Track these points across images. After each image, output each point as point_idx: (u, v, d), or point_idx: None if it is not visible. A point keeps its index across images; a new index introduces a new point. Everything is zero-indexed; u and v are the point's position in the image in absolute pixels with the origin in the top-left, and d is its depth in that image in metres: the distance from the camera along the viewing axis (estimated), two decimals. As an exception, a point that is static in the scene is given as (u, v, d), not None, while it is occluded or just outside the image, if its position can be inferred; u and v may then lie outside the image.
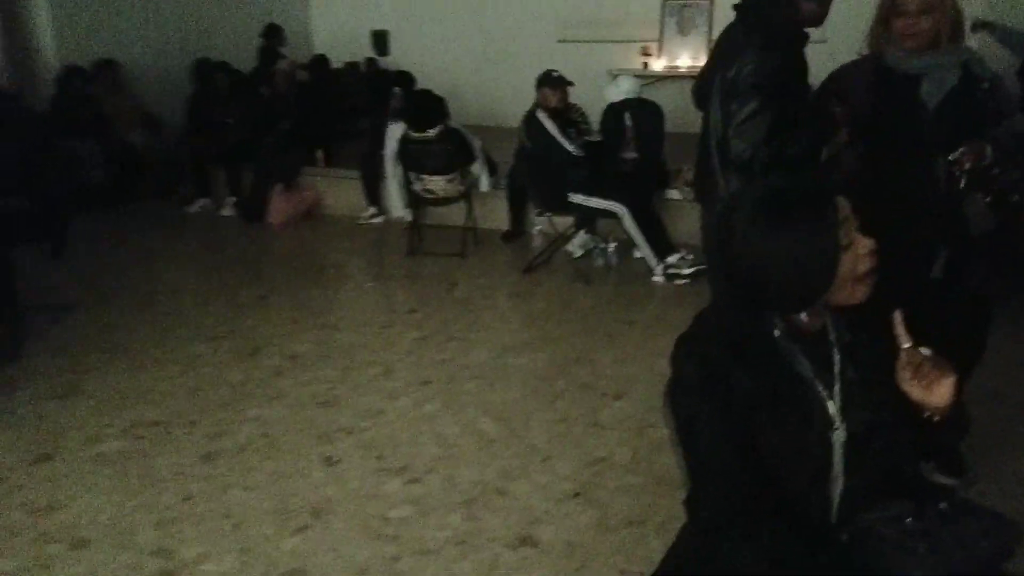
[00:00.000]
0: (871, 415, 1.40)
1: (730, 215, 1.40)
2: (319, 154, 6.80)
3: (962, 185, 2.24)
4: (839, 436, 1.39)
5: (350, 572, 2.35)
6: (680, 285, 4.70)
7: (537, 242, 5.50)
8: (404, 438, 3.09)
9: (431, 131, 5.18)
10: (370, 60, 8.50)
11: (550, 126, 5.07)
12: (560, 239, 5.26)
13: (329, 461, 2.94)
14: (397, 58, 8.79)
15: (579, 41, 8.07)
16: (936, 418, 1.33)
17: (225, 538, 2.51)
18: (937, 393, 1.31)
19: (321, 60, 7.93)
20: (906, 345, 1.34)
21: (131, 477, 2.85)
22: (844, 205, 1.32)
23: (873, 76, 2.37)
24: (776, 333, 1.40)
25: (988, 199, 2.43)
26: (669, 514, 2.47)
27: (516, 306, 4.65)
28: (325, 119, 7.16)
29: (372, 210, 6.35)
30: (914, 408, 1.34)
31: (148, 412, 3.32)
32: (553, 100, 5.17)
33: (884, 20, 2.32)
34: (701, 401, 1.40)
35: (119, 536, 2.53)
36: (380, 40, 9.01)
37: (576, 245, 5.32)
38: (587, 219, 5.13)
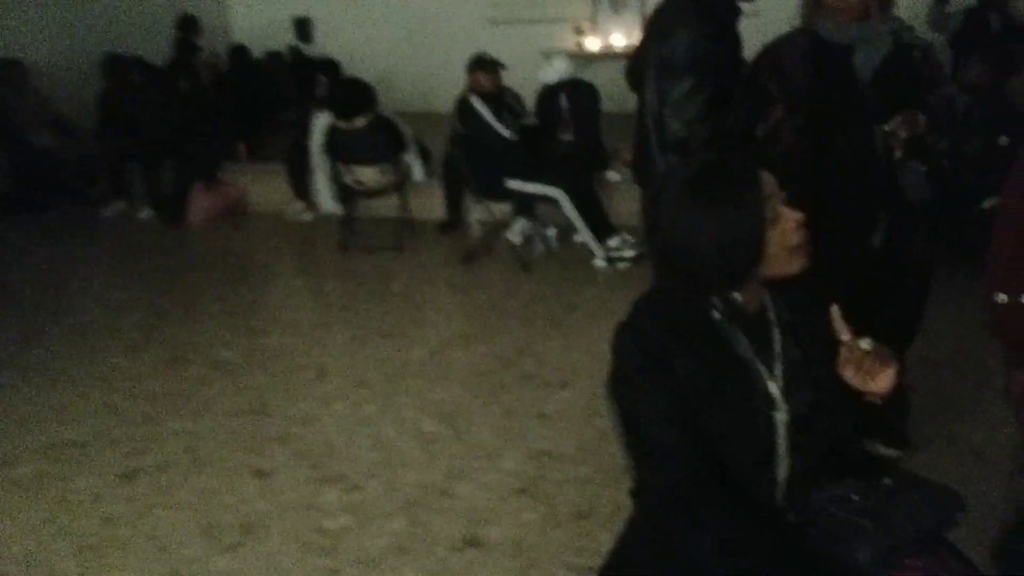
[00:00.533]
0: (814, 394, 1.40)
1: (659, 196, 1.39)
2: (241, 148, 6.62)
3: (898, 154, 2.27)
4: (782, 417, 1.39)
5: (286, 589, 2.29)
6: (623, 268, 4.71)
7: (475, 231, 5.45)
8: (340, 444, 3.02)
9: (359, 120, 5.08)
10: (293, 48, 8.31)
11: (484, 111, 5.02)
12: (499, 227, 5.23)
13: (260, 473, 2.86)
14: (322, 45, 8.64)
15: (511, 22, 8.03)
16: (878, 401, 1.33)
17: (151, 562, 2.42)
18: (878, 382, 1.32)
19: (241, 50, 7.73)
20: (845, 338, 1.34)
21: (46, 502, 2.74)
22: (769, 180, 1.32)
23: (807, 48, 2.38)
24: (716, 315, 1.39)
25: (924, 167, 2.48)
26: (617, 505, 2.46)
27: (456, 298, 4.61)
28: (247, 111, 6.99)
29: (300, 205, 6.20)
30: (856, 393, 1.34)
31: (64, 431, 3.18)
32: (486, 84, 5.12)
33: None
34: (644, 389, 1.38)
35: (35, 567, 2.43)
36: (303, 27, 8.84)
37: (515, 232, 5.28)
38: (525, 205, 5.09)
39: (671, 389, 1.36)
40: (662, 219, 1.35)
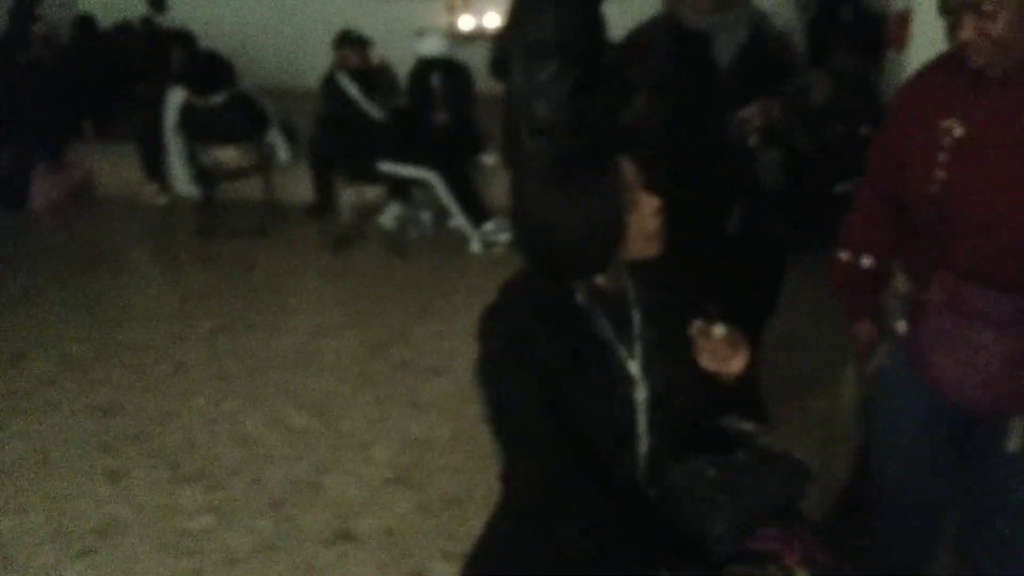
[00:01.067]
0: (672, 373, 1.50)
1: (523, 180, 1.45)
2: (87, 126, 6.27)
3: (754, 142, 2.41)
4: (641, 395, 1.47)
5: (146, 594, 2.23)
6: (499, 253, 4.77)
7: (346, 216, 5.38)
8: (201, 441, 2.95)
9: (217, 96, 4.92)
10: (145, 19, 7.89)
11: (352, 89, 4.97)
12: (371, 211, 5.19)
13: (114, 475, 2.76)
14: (177, 16, 8.23)
15: (381, -4, 7.92)
16: (731, 382, 1.44)
17: (-8, 574, 2.31)
18: (732, 366, 1.42)
19: (86, 20, 7.28)
20: (698, 326, 1.43)
21: None
22: (629, 167, 1.39)
23: (668, 35, 2.49)
24: (578, 299, 1.46)
25: (779, 155, 2.66)
26: (491, 491, 2.46)
27: (326, 286, 4.55)
28: (93, 86, 6.60)
29: (154, 187, 5.94)
30: (711, 374, 1.44)
31: None
32: (354, 61, 5.07)
33: None
34: (510, 374, 1.44)
35: None
36: (155, -5, 8.38)
37: (389, 217, 5.26)
38: (398, 188, 5.08)
39: (536, 373, 1.42)
40: (526, 204, 1.41)
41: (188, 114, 5.00)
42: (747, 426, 2.53)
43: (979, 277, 1.45)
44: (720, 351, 1.42)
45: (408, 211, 5.24)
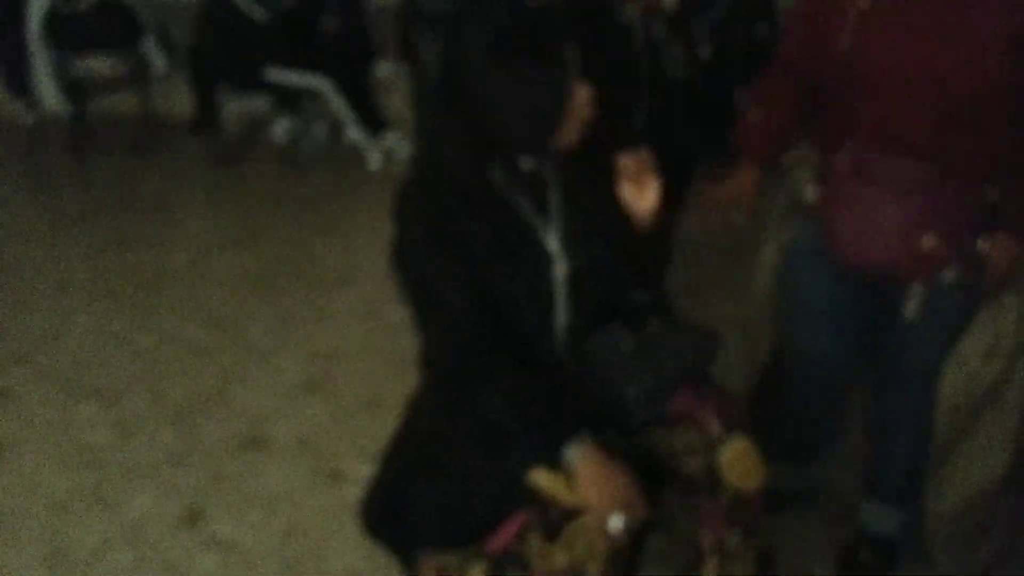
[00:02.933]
0: (589, 250, 1.57)
1: (454, 51, 1.45)
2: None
3: (659, 33, 2.47)
4: (560, 271, 1.54)
5: (48, 507, 2.21)
6: (399, 167, 4.75)
7: (231, 130, 5.22)
8: (92, 360, 2.88)
9: (84, 1, 4.64)
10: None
11: (233, -11, 4.76)
12: (260, 125, 5.05)
13: (3, 396, 2.68)
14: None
15: None
16: (647, 231, 1.52)
17: None
18: (647, 195, 1.53)
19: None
20: (622, 159, 1.51)
21: None
22: (574, 52, 1.43)
23: None
24: (496, 177, 1.50)
25: (682, 51, 2.74)
26: (406, 393, 2.57)
27: (216, 202, 4.44)
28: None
29: (19, 104, 5.59)
30: (630, 228, 1.52)
31: None
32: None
33: None
34: (430, 252, 1.48)
35: None
36: None
37: (279, 130, 5.13)
38: (288, 99, 4.95)
39: (456, 251, 1.46)
40: (463, 78, 1.42)
41: (53, 20, 4.71)
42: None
43: (883, 144, 1.58)
44: (636, 172, 1.53)
45: (300, 124, 5.12)
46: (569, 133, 1.49)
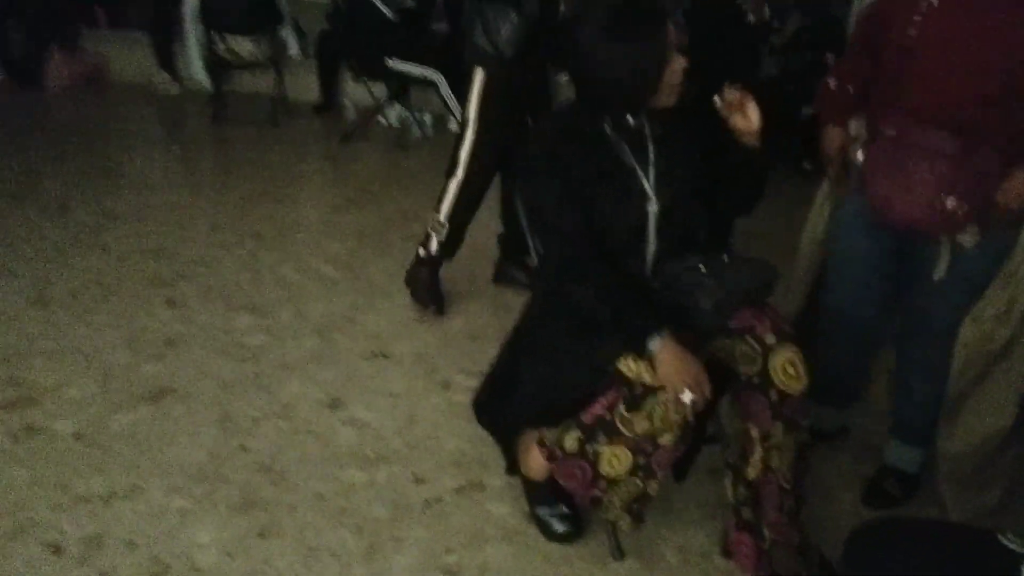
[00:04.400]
0: (675, 192, 1.92)
1: (576, 28, 1.83)
2: (99, 13, 6.42)
3: (755, 17, 2.83)
4: (652, 207, 1.89)
5: (216, 386, 2.65)
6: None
7: (351, 114, 5.70)
8: (245, 282, 3.34)
9: (236, -12, 5.16)
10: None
11: (365, -10, 5.22)
12: (375, 111, 5.50)
13: (172, 302, 3.14)
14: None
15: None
16: (755, 143, 1.86)
17: (81, 367, 2.69)
18: (752, 116, 1.83)
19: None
20: (719, 100, 1.84)
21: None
22: (671, 28, 1.78)
23: None
24: (607, 129, 1.87)
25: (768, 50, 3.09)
26: (502, 329, 2.94)
27: (337, 170, 4.89)
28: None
29: (165, 75, 6.16)
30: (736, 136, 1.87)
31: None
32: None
33: None
34: (545, 183, 1.86)
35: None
36: None
37: (392, 116, 5.58)
38: (402, 89, 5.39)
39: (567, 183, 1.83)
40: (582, 47, 1.79)
41: (206, 4, 5.22)
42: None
43: (924, 117, 1.86)
44: (738, 100, 1.82)
45: (410, 112, 5.56)
46: (666, 96, 1.84)
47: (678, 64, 1.81)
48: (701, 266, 1.91)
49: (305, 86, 5.94)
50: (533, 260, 2.10)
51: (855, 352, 2.37)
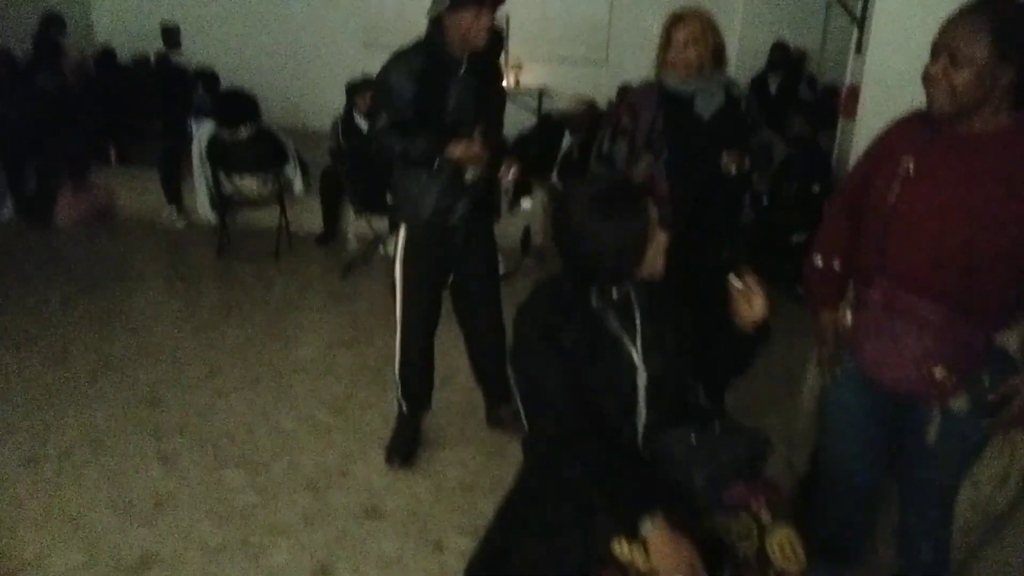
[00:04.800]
0: (665, 360, 1.88)
1: (566, 206, 1.84)
2: (111, 151, 6.60)
3: (734, 172, 2.85)
4: (642, 378, 1.85)
5: (202, 553, 2.55)
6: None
7: (352, 245, 5.76)
8: (240, 432, 3.28)
9: (243, 131, 5.29)
10: (161, 54, 8.29)
11: (366, 129, 5.36)
12: (375, 242, 5.56)
13: (164, 458, 3.08)
14: (189, 53, 8.65)
15: (385, 47, 8.36)
16: (751, 328, 1.83)
17: (66, 534, 2.61)
18: (756, 308, 1.82)
19: (109, 54, 7.67)
20: (733, 281, 1.83)
21: (-56, 487, 2.83)
22: (651, 205, 1.80)
23: (658, 96, 2.93)
24: (594, 300, 1.85)
25: (748, 198, 3.12)
26: (497, 479, 2.89)
27: (337, 305, 4.89)
28: (114, 115, 6.96)
29: (172, 211, 6.28)
30: (738, 325, 1.85)
31: (-49, 423, 3.26)
32: (365, 106, 5.47)
33: (662, 51, 2.89)
34: (537, 356, 1.82)
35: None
36: (171, 34, 8.80)
37: (392, 247, 5.62)
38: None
39: (558, 356, 1.80)
40: (570, 224, 1.80)
41: (215, 145, 5.36)
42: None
43: (910, 284, 1.84)
44: (745, 292, 1.81)
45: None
46: (652, 268, 1.83)
47: (661, 239, 1.82)
48: (693, 437, 1.85)
49: (308, 218, 6.04)
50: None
51: (854, 510, 2.29)
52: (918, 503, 2.13)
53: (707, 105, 2.90)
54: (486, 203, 2.98)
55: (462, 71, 2.73)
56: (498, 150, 2.96)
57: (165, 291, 5.13)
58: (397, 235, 2.99)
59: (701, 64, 2.85)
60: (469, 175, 2.79)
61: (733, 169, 2.82)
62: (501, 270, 5.40)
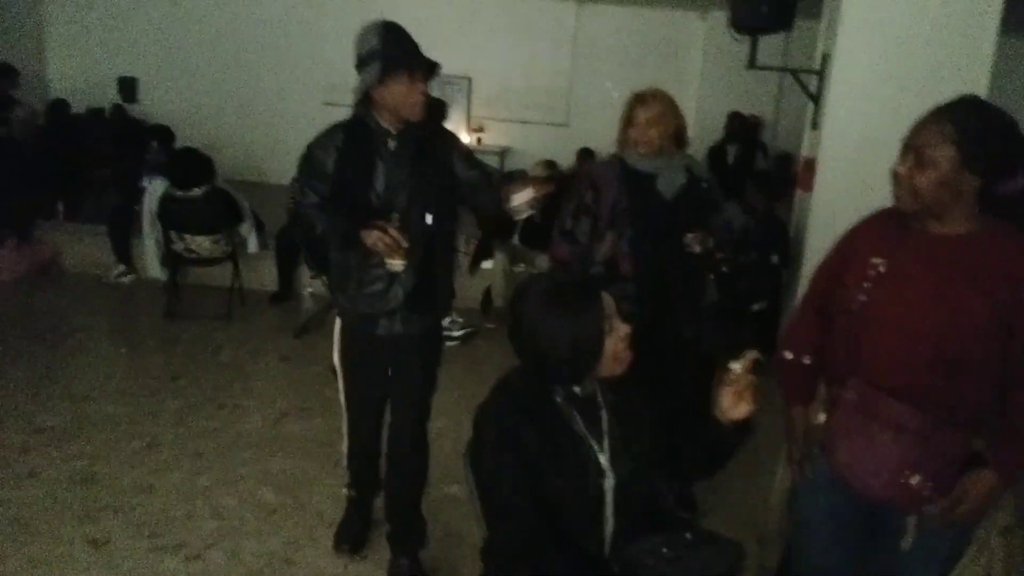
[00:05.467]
0: (633, 464, 1.76)
1: (520, 302, 1.72)
2: (59, 206, 6.36)
3: (698, 250, 2.79)
4: (609, 483, 1.72)
5: (131, 657, 2.32)
6: (451, 347, 5.00)
7: (307, 304, 5.56)
8: (179, 514, 3.05)
9: (197, 190, 5.12)
10: (117, 107, 8.11)
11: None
12: (331, 302, 5.37)
13: (95, 543, 2.84)
14: (146, 106, 8.49)
15: (345, 105, 8.29)
16: (730, 427, 1.71)
17: (-22, 636, 2.35)
18: (742, 407, 1.69)
19: (60, 104, 7.45)
20: (733, 366, 1.70)
21: None
22: (609, 300, 1.69)
23: (621, 173, 2.86)
24: (557, 399, 1.72)
25: (712, 276, 3.05)
26: (455, 565, 2.70)
27: (289, 370, 4.68)
28: (65, 168, 6.73)
29: (121, 268, 6.04)
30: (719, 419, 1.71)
31: None
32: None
33: (624, 129, 2.86)
34: (497, 458, 1.69)
35: None
36: (127, 87, 8.64)
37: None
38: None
39: (519, 458, 1.67)
40: (524, 321, 1.68)
41: (168, 204, 5.17)
42: (682, 514, 2.80)
43: (884, 384, 1.75)
44: (741, 385, 1.68)
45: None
46: (610, 365, 1.71)
47: (621, 331, 1.71)
48: (664, 549, 1.72)
49: (263, 275, 5.85)
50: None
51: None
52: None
53: (669, 185, 2.86)
54: (425, 301, 2.54)
55: (393, 146, 2.43)
56: (443, 238, 2.55)
57: (108, 353, 4.86)
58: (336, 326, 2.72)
59: (662, 145, 2.82)
60: (395, 267, 2.38)
61: (697, 247, 2.75)
62: (459, 332, 5.32)
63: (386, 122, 2.43)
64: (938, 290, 1.74)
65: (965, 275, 1.72)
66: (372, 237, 2.33)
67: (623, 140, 2.89)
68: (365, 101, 2.43)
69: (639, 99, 2.84)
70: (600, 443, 1.74)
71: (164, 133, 6.73)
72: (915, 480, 1.73)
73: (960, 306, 1.71)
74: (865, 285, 1.81)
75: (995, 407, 1.75)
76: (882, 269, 1.80)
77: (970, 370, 1.72)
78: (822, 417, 1.93)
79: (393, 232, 2.32)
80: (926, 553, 1.84)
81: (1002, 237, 1.74)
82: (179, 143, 6.71)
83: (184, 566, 2.74)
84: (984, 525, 1.83)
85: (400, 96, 2.38)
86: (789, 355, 2.03)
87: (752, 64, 4.43)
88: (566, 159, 6.84)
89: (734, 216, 4.76)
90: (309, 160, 2.50)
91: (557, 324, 1.65)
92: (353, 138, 2.45)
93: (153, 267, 5.61)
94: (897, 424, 1.74)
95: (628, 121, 2.85)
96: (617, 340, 1.70)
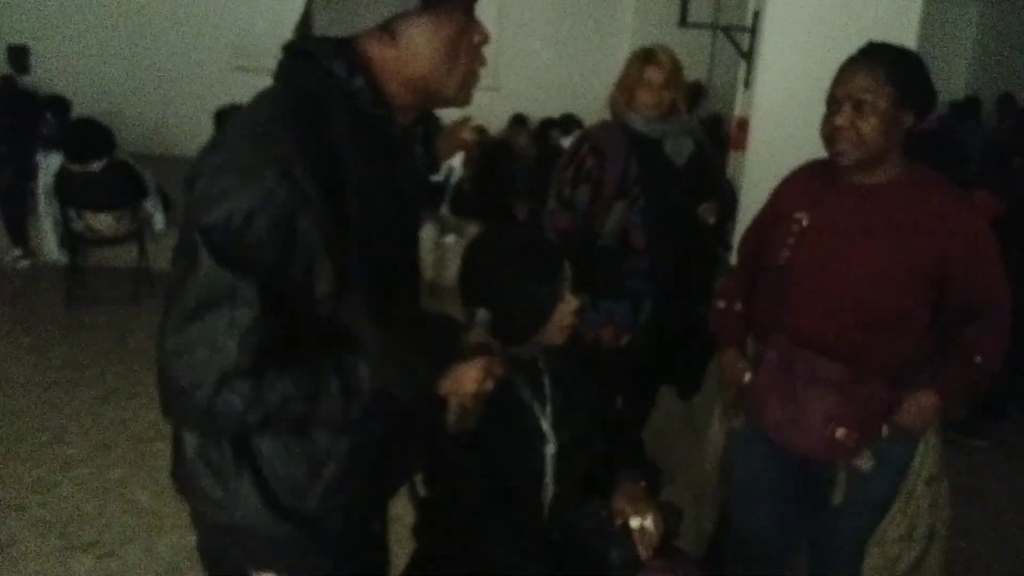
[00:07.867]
0: (574, 431, 1.77)
1: (478, 254, 1.71)
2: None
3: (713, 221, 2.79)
4: (551, 449, 1.74)
5: (41, 662, 2.24)
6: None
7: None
8: (89, 511, 2.96)
9: (95, 164, 4.92)
10: (7, 78, 7.70)
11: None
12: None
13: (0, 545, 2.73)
14: (40, 77, 8.09)
15: (259, 70, 8.05)
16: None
17: None
18: (649, 519, 1.72)
19: (-60, 75, 7.05)
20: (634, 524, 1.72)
21: None
22: (567, 268, 1.69)
23: (625, 140, 2.73)
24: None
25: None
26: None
27: (205, 355, 4.57)
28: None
29: (17, 251, 5.79)
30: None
31: None
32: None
33: (630, 90, 2.70)
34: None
35: None
36: (18, 56, 8.21)
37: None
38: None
39: None
40: (480, 271, 1.68)
41: (64, 180, 4.96)
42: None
43: (808, 339, 1.81)
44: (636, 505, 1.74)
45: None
46: (553, 333, 1.72)
47: (571, 303, 1.71)
48: (603, 511, 1.75)
49: (171, 255, 5.66)
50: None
51: (760, 570, 2.24)
52: (825, 565, 2.10)
53: (678, 151, 2.77)
54: None
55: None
56: None
57: (6, 344, 4.66)
58: None
59: (675, 103, 2.71)
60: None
61: (711, 218, 2.74)
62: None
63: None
64: (859, 243, 1.79)
65: (888, 227, 1.77)
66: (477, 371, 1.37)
67: (627, 102, 2.72)
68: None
69: (648, 57, 2.68)
70: (543, 409, 1.75)
71: (59, 104, 6.44)
72: (840, 432, 1.79)
73: (879, 260, 1.77)
74: (788, 241, 1.86)
75: (917, 356, 1.82)
76: (804, 223, 1.85)
77: (890, 323, 1.78)
78: (748, 376, 1.98)
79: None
80: (857, 506, 1.91)
81: (928, 186, 1.79)
82: (76, 114, 6.44)
83: (97, 564, 2.66)
84: (910, 476, 1.90)
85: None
86: (722, 304, 2.10)
87: (684, 22, 4.46)
88: (496, 126, 6.81)
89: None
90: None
91: (515, 280, 1.65)
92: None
93: (51, 250, 5.38)
94: (821, 379, 1.80)
95: (636, 81, 2.68)
96: (564, 312, 1.70)
